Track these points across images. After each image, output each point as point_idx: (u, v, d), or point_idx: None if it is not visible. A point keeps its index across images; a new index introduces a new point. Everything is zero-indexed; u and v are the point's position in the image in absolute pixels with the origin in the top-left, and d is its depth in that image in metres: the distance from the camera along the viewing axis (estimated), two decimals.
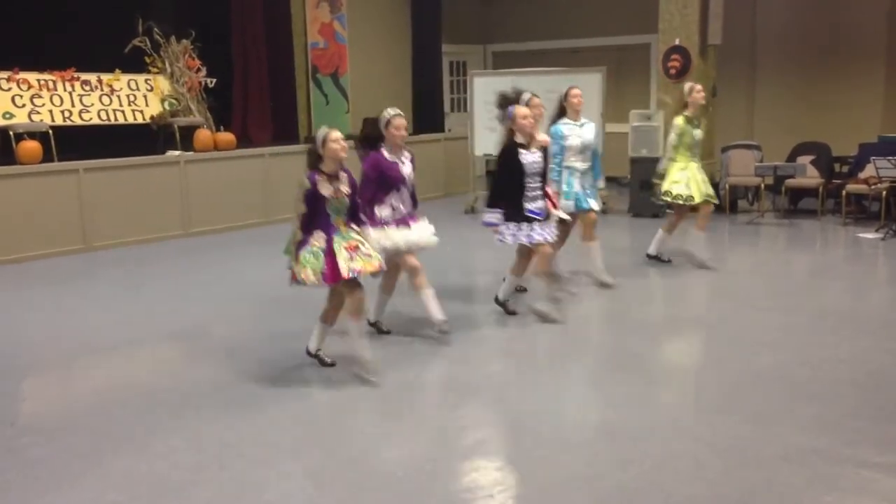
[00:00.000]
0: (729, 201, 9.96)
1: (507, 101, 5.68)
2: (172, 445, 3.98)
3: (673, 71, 10.14)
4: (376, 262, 4.77)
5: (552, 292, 5.99)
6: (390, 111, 5.32)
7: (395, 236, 5.26)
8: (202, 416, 4.33)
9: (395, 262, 5.38)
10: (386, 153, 5.28)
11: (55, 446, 4.00)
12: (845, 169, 10.08)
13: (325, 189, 4.62)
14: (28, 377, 5.14)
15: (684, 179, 7.07)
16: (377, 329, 5.64)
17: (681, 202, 7.11)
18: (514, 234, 5.61)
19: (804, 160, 9.80)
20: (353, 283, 4.70)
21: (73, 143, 9.17)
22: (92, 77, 9.82)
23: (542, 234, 5.64)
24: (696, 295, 6.74)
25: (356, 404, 4.48)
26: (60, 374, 5.20)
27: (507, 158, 5.60)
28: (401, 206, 5.33)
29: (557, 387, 4.66)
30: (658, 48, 10.54)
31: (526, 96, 5.89)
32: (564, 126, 6.48)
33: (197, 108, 10.22)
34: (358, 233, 4.80)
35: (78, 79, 9.69)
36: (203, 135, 9.86)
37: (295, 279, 4.69)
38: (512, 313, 5.95)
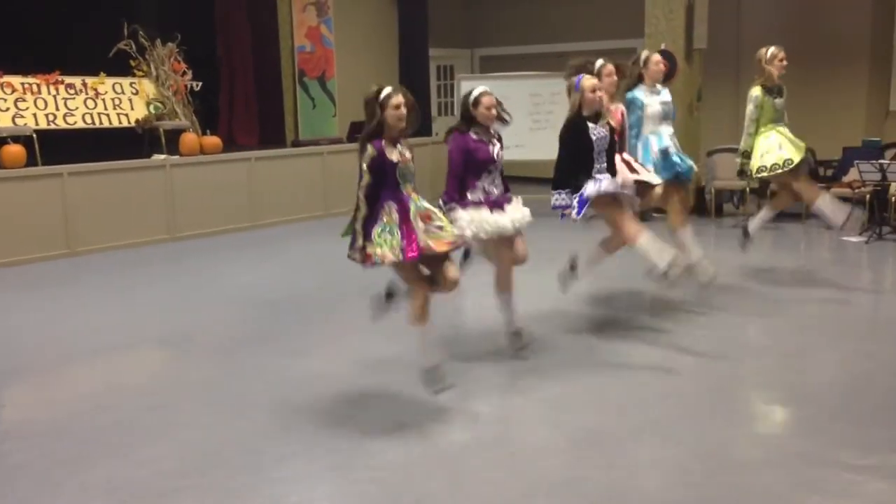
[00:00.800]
0: (715, 205, 10.04)
1: (576, 70, 5.22)
2: (156, 452, 3.95)
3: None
4: (449, 237, 4.37)
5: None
6: (479, 88, 4.93)
7: (490, 220, 4.80)
8: (186, 423, 4.30)
9: (501, 253, 4.99)
10: (473, 134, 4.88)
11: (36, 453, 3.97)
12: (829, 173, 10.14)
13: (393, 154, 4.30)
14: (10, 383, 5.09)
15: (774, 146, 6.33)
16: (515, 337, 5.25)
17: (779, 171, 6.30)
18: (594, 187, 5.04)
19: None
20: (439, 257, 4.34)
21: (57, 146, 9.11)
22: (76, 80, 9.76)
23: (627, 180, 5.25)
24: (679, 297, 6.73)
25: (343, 411, 4.46)
26: (43, 380, 5.16)
27: (574, 133, 5.10)
28: (493, 190, 4.90)
29: (542, 387, 4.65)
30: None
31: (599, 63, 5.56)
32: (641, 93, 6.09)
33: (183, 111, 10.19)
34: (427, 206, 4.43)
35: (62, 82, 9.63)
36: (189, 138, 9.82)
37: (370, 260, 4.27)
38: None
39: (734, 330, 5.64)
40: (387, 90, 4.30)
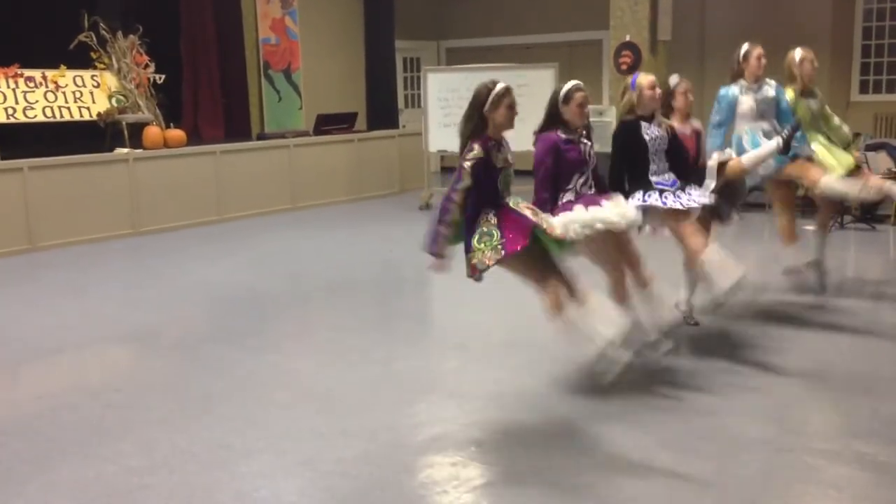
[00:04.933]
0: None
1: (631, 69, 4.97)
2: (121, 449, 3.91)
3: (624, 67, 10.24)
4: (558, 230, 4.06)
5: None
6: (571, 83, 4.49)
7: (587, 215, 4.30)
8: (152, 419, 4.26)
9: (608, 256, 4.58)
10: (562, 133, 4.47)
11: (0, 452, 3.90)
12: None
13: (498, 159, 3.94)
14: None
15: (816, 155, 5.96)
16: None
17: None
18: (642, 200, 4.72)
19: None
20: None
21: (17, 140, 8.94)
22: (36, 73, 9.57)
23: (688, 199, 4.76)
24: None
25: (311, 406, 4.44)
26: (4, 378, 5.07)
27: (626, 135, 4.81)
28: (587, 191, 4.51)
29: (512, 382, 4.67)
30: (610, 44, 10.65)
31: (674, 79, 5.29)
32: (736, 89, 5.71)
33: (146, 104, 10.03)
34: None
35: (21, 75, 9.42)
36: (152, 132, 9.68)
37: (475, 271, 3.93)
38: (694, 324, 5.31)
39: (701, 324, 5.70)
40: (500, 86, 3.92)
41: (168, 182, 9.49)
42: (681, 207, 4.76)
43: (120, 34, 10.00)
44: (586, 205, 4.35)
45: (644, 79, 4.83)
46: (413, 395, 4.49)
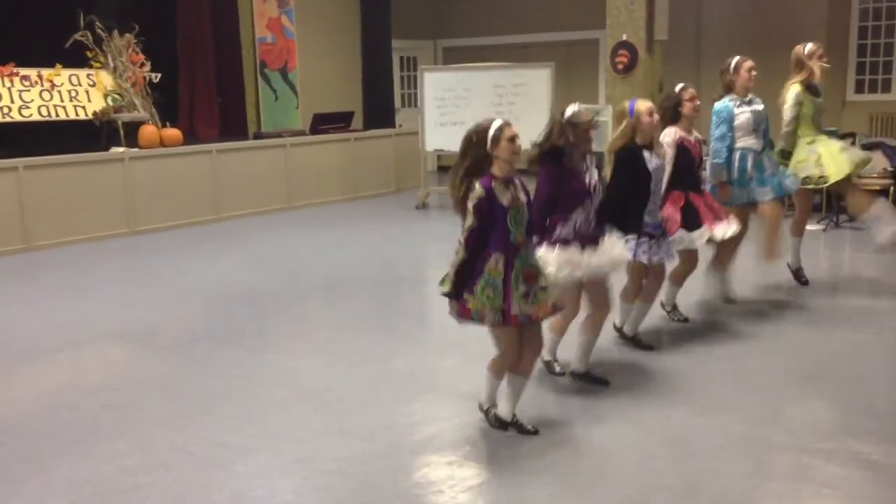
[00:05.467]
0: None
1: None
2: (118, 448, 3.91)
3: (620, 66, 10.25)
4: (550, 300, 3.86)
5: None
6: (571, 108, 4.23)
7: (578, 260, 4.21)
8: (149, 418, 4.27)
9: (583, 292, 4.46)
10: (577, 157, 4.25)
11: None
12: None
13: (504, 197, 3.69)
14: None
15: (813, 157, 6.00)
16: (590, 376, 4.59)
17: (811, 186, 6.06)
18: (633, 251, 4.67)
19: None
20: (535, 330, 3.90)
21: (12, 139, 8.94)
22: (32, 72, 9.57)
23: (661, 254, 4.81)
24: None
25: (308, 404, 4.45)
26: (2, 377, 5.06)
27: (633, 160, 4.63)
28: (585, 224, 4.27)
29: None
30: (607, 44, 10.65)
31: (679, 86, 5.23)
32: (731, 103, 5.72)
33: (141, 103, 10.03)
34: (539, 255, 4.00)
35: (17, 74, 9.43)
36: (148, 131, 9.67)
37: (468, 315, 3.73)
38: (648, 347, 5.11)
39: (694, 318, 5.71)
40: (497, 124, 3.70)
41: (164, 181, 9.48)
42: (663, 263, 4.86)
43: (116, 33, 10.00)
44: (583, 245, 4.23)
45: (643, 105, 4.65)
46: (411, 395, 4.50)
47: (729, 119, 5.71)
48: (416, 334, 5.69)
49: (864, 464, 3.59)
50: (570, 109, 4.21)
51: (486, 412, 4.05)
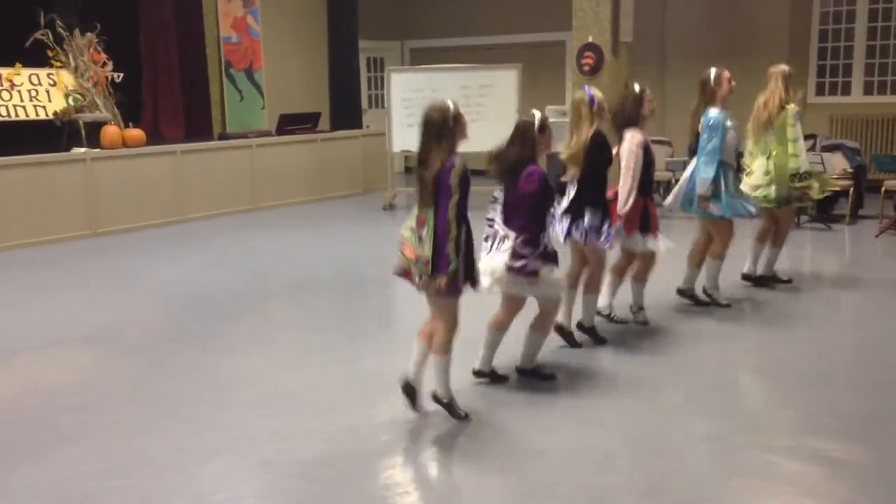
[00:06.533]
0: None
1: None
2: (76, 453, 3.84)
3: (587, 68, 10.32)
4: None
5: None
6: (540, 116, 4.31)
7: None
8: (109, 422, 4.19)
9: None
10: (541, 163, 4.35)
11: None
12: None
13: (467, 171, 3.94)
14: None
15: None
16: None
17: (806, 181, 6.10)
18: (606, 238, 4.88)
19: None
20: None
21: None
22: None
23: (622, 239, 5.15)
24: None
25: (271, 408, 4.40)
26: None
27: (605, 147, 4.83)
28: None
29: (474, 381, 4.67)
30: (573, 45, 10.71)
31: (636, 87, 5.22)
32: (722, 115, 5.54)
33: (104, 103, 9.87)
34: None
35: None
36: (110, 131, 9.52)
37: (457, 288, 3.96)
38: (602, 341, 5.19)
39: (657, 317, 5.74)
40: (453, 102, 3.98)
41: (127, 182, 9.34)
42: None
43: (77, 31, 9.82)
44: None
45: (600, 93, 4.82)
46: (376, 396, 4.47)
47: (724, 133, 5.55)
48: (382, 335, 5.66)
49: (824, 460, 3.64)
50: (537, 116, 4.25)
51: (449, 405, 4.10)
